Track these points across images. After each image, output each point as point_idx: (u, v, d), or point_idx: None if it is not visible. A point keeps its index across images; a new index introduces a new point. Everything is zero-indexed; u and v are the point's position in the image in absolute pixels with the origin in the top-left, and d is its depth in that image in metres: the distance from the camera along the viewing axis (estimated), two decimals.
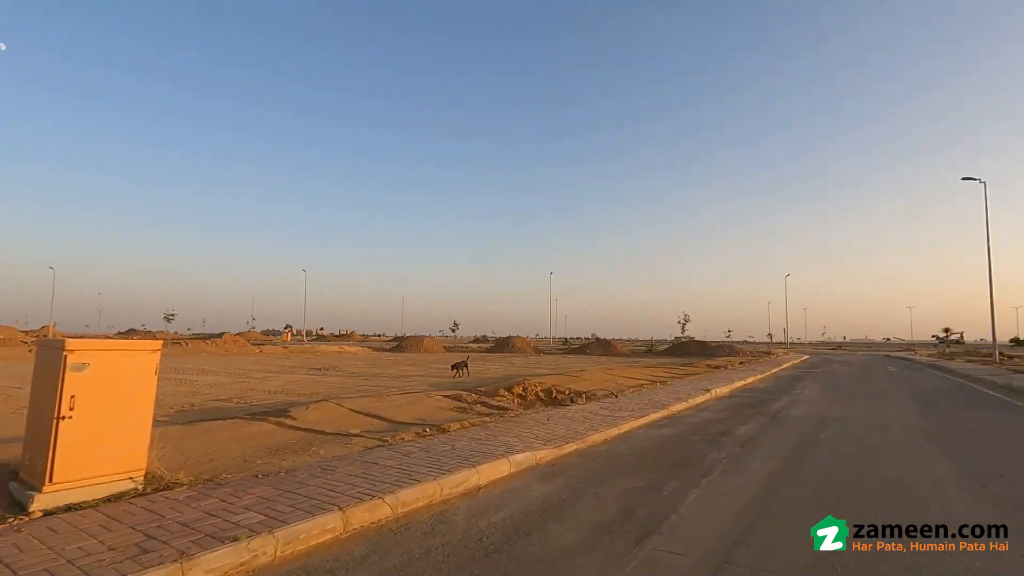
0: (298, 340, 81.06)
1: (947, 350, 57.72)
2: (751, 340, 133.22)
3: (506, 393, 12.37)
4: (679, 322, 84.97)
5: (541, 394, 12.81)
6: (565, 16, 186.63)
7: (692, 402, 11.93)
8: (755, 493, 4.98)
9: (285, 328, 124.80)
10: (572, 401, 10.99)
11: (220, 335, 55.62)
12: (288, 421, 7.66)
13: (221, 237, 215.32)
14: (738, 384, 16.75)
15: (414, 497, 4.60)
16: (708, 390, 13.86)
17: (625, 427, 8.60)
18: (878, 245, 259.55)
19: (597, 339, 56.39)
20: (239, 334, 78.30)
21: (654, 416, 9.79)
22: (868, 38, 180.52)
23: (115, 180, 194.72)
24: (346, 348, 44.81)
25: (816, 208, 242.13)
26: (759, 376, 20.52)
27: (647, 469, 5.90)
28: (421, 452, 6.08)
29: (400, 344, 51.48)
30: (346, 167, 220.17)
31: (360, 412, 8.63)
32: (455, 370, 17.67)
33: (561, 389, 13.07)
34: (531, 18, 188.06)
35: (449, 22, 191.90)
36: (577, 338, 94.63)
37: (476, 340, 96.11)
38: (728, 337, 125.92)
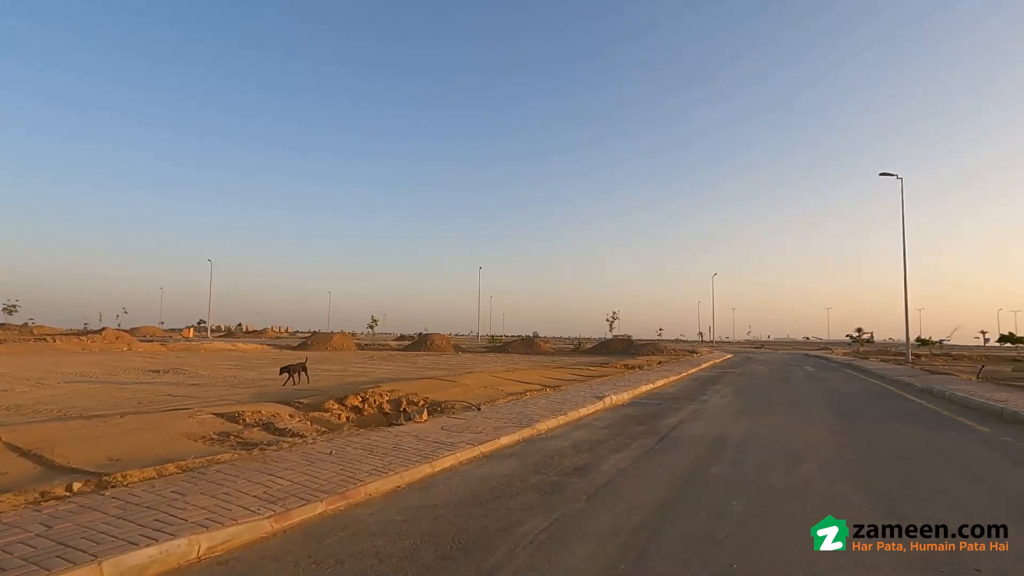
0: (202, 336, 73.97)
1: (861, 349, 59.68)
2: (683, 339, 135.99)
3: (335, 405, 9.48)
4: (607, 320, 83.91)
5: (387, 405, 10.01)
6: (500, 18, 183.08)
7: (572, 415, 9.50)
8: None
9: (198, 323, 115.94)
10: (409, 419, 8.25)
11: (101, 331, 49.12)
12: None
13: (143, 230, 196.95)
14: (644, 388, 14.62)
15: None
16: (601, 398, 11.53)
17: (445, 463, 5.95)
18: (799, 248, 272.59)
19: (522, 337, 54.09)
20: (132, 329, 70.92)
21: (505, 440, 7.21)
22: (792, 44, 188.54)
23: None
24: (239, 346, 39.89)
25: (742, 211, 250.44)
26: (672, 378, 18.62)
27: (390, 566, 3.24)
28: None
29: (306, 342, 46.92)
30: (285, 162, 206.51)
31: (19, 448, 5.48)
32: (286, 374, 14.45)
33: (415, 399, 10.31)
34: (464, 19, 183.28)
35: (371, 17, 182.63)
36: (512, 336, 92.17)
37: (400, 338, 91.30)
38: (660, 335, 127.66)
